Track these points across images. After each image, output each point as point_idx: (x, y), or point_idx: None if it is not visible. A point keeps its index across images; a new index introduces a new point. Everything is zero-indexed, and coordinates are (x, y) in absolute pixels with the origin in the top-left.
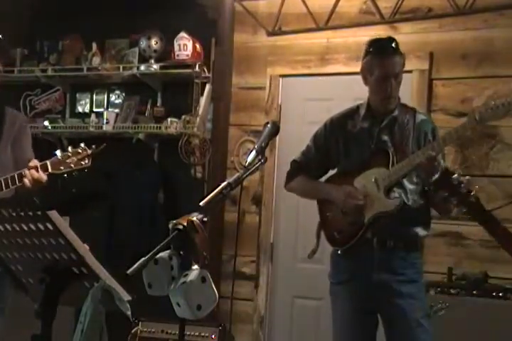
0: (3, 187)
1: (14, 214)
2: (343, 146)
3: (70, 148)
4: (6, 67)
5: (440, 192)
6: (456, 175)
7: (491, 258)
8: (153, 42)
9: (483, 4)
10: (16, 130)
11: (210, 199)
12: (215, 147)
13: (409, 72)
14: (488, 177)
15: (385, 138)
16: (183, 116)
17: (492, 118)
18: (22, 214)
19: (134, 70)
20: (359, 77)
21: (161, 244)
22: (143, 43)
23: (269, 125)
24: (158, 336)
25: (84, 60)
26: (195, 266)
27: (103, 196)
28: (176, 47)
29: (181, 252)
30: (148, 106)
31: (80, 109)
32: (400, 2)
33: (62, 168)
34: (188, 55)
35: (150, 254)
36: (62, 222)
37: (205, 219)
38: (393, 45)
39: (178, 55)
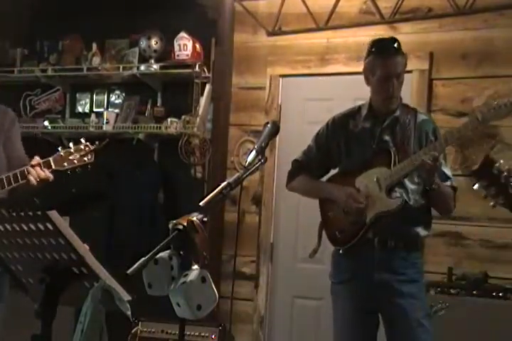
0: (6, 185)
1: (14, 214)
2: (344, 146)
3: (71, 145)
4: (6, 67)
5: (480, 182)
6: (497, 164)
7: (491, 258)
8: (153, 42)
9: (483, 4)
10: (6, 126)
11: (210, 199)
12: (215, 147)
13: (409, 72)
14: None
15: (387, 138)
16: (183, 116)
17: (494, 119)
18: (22, 214)
19: (134, 70)
20: (359, 77)
21: (161, 244)
22: (143, 43)
23: (269, 125)
24: (158, 336)
25: (84, 60)
26: (195, 266)
27: (103, 196)
28: (176, 47)
29: (181, 252)
30: (148, 106)
31: (79, 109)
32: (399, 2)
33: (65, 164)
34: (188, 55)
35: (150, 254)
36: (62, 222)
37: (205, 219)
38: (395, 45)
39: (178, 55)
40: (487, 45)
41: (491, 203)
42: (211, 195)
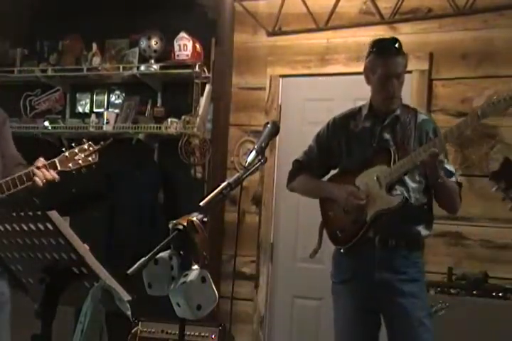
0: (11, 187)
1: (14, 214)
2: (345, 146)
3: (74, 145)
4: (6, 67)
5: (499, 184)
6: None
7: (491, 258)
8: (153, 42)
9: (483, 4)
10: None
11: (210, 199)
12: (215, 147)
13: (409, 72)
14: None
15: (387, 136)
16: (183, 117)
17: (494, 113)
18: (22, 214)
19: (134, 70)
20: (359, 77)
21: (161, 244)
22: (143, 43)
23: (269, 125)
24: (158, 336)
25: (84, 60)
26: (195, 266)
27: (103, 196)
28: (176, 48)
29: (181, 252)
30: (148, 107)
31: (80, 109)
32: (399, 2)
33: (70, 165)
34: (188, 55)
35: (150, 254)
36: (62, 222)
37: (205, 219)
38: (396, 45)
39: (178, 55)
40: (487, 45)
41: (509, 205)
42: (211, 195)
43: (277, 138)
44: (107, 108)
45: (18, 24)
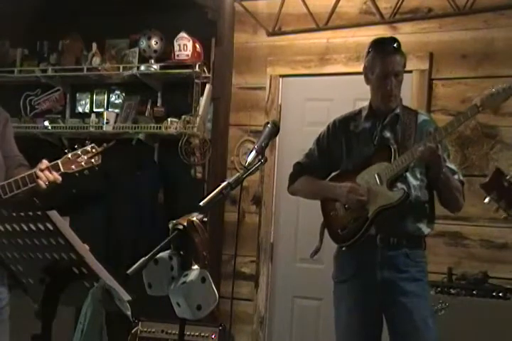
0: (14, 189)
1: (14, 214)
2: (345, 146)
3: (77, 147)
4: (6, 67)
5: (491, 195)
6: (508, 177)
7: (490, 258)
8: (153, 42)
9: (483, 4)
10: (1, 125)
11: (210, 199)
12: (215, 147)
13: (409, 72)
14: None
15: (388, 134)
16: (183, 116)
17: (493, 104)
18: (22, 214)
19: (134, 70)
20: (359, 77)
21: (161, 244)
22: (143, 43)
23: (269, 125)
24: (158, 336)
25: (84, 60)
26: (195, 266)
27: (103, 196)
28: (176, 47)
29: (181, 252)
30: (148, 106)
31: (80, 109)
32: (399, 2)
33: (73, 167)
34: (188, 55)
35: (150, 254)
36: (62, 222)
37: (205, 219)
38: (395, 44)
39: (178, 55)
40: (487, 45)
41: (503, 215)
42: (211, 195)
43: (277, 138)
44: (107, 108)
45: (18, 24)
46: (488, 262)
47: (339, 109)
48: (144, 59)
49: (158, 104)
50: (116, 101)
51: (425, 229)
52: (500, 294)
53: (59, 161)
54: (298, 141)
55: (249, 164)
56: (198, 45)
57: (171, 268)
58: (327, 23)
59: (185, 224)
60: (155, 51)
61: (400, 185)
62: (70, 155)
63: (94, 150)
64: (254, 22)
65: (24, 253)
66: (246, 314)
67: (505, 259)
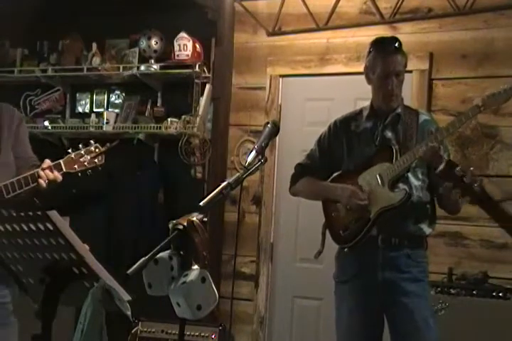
0: (17, 189)
1: (14, 214)
2: (346, 147)
3: (81, 146)
4: (6, 67)
5: (445, 184)
6: (459, 168)
7: (490, 258)
8: (153, 42)
9: (483, 4)
10: (14, 127)
11: (210, 199)
12: (215, 147)
13: (409, 72)
14: (488, 177)
15: (389, 135)
16: (183, 116)
17: (495, 104)
18: (22, 214)
19: (134, 70)
20: (359, 77)
21: (161, 244)
22: (143, 43)
23: (269, 125)
24: (158, 336)
25: (84, 60)
26: (195, 266)
27: (103, 196)
28: (176, 47)
29: (181, 252)
30: (148, 106)
31: (80, 109)
32: (399, 2)
33: (76, 166)
34: (188, 55)
35: (150, 254)
36: (62, 222)
37: (205, 219)
38: (396, 44)
39: (178, 55)
40: (487, 45)
41: (460, 203)
42: (211, 195)
43: (277, 138)
44: (107, 108)
45: (18, 24)
46: (488, 262)
47: (339, 109)
48: (144, 59)
49: (158, 104)
50: (116, 101)
51: (427, 229)
52: (500, 294)
53: (61, 161)
54: (298, 141)
55: (249, 164)
56: (198, 45)
57: (171, 268)
58: (327, 23)
59: (185, 224)
60: (155, 51)
61: (401, 185)
62: (73, 155)
63: (97, 150)
64: (254, 22)
65: (24, 253)
66: (246, 314)
67: (505, 259)
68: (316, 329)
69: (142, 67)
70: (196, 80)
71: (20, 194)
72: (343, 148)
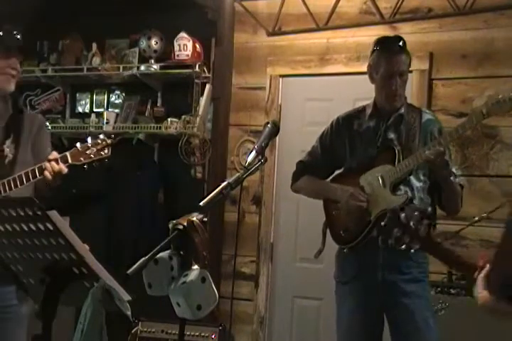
0: (24, 181)
1: (14, 214)
2: (349, 145)
3: (89, 139)
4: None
5: (394, 233)
6: (403, 214)
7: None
8: (153, 42)
9: (483, 4)
10: (34, 131)
11: (210, 199)
12: (215, 147)
13: (410, 72)
14: (488, 177)
15: (392, 135)
16: (183, 116)
17: (498, 112)
18: (22, 214)
19: (134, 70)
20: (359, 77)
21: (161, 244)
22: (143, 43)
23: (269, 125)
24: (158, 336)
25: (85, 60)
26: (195, 266)
27: (103, 196)
28: (176, 47)
29: (181, 252)
30: (148, 106)
31: (80, 109)
32: (399, 2)
33: (82, 159)
34: (188, 55)
35: (150, 254)
36: (62, 222)
37: (205, 219)
38: (400, 43)
39: (178, 55)
40: (487, 45)
41: (411, 250)
42: (211, 195)
43: (277, 138)
44: (107, 108)
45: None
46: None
47: (339, 109)
48: (144, 59)
49: (158, 104)
50: (116, 101)
51: None
52: None
53: (67, 153)
54: (298, 141)
55: (249, 164)
56: (198, 45)
57: (171, 268)
58: (327, 23)
59: (185, 224)
60: (155, 51)
61: (403, 187)
62: (79, 147)
63: (104, 142)
64: (254, 22)
65: (24, 253)
66: (246, 314)
67: None
68: (316, 329)
69: (142, 67)
70: (196, 80)
71: (42, 191)
72: (345, 146)
